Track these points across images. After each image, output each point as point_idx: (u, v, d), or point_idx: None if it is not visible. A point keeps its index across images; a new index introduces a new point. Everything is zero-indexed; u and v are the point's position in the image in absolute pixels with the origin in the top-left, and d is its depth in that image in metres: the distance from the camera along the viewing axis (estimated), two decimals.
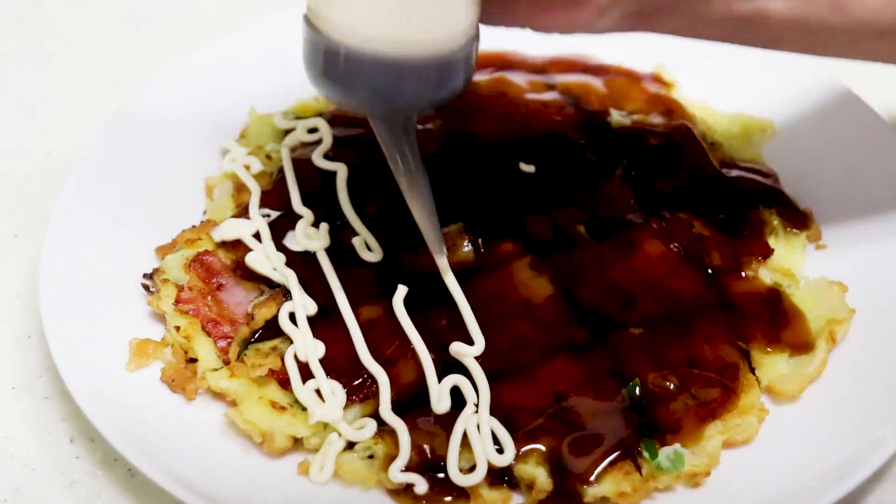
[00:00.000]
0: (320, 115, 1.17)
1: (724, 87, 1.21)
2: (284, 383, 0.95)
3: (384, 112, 0.92)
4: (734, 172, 1.12)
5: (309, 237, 1.04)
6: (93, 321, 0.98)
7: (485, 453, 0.90)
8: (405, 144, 0.94)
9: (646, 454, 0.91)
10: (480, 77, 1.19)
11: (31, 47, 1.36)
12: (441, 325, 0.97)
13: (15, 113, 1.28)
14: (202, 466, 0.90)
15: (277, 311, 0.99)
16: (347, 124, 1.15)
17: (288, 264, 1.02)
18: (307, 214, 1.06)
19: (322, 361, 0.96)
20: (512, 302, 0.99)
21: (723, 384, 0.94)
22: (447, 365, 0.95)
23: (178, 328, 0.97)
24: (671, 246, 1.04)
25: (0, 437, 0.98)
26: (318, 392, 0.94)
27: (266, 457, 0.93)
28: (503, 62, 1.23)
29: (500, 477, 0.90)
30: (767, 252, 1.05)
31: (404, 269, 1.01)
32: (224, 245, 1.04)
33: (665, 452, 0.91)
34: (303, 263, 1.02)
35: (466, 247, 1.03)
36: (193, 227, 1.06)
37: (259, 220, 1.05)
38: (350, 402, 0.94)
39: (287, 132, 1.16)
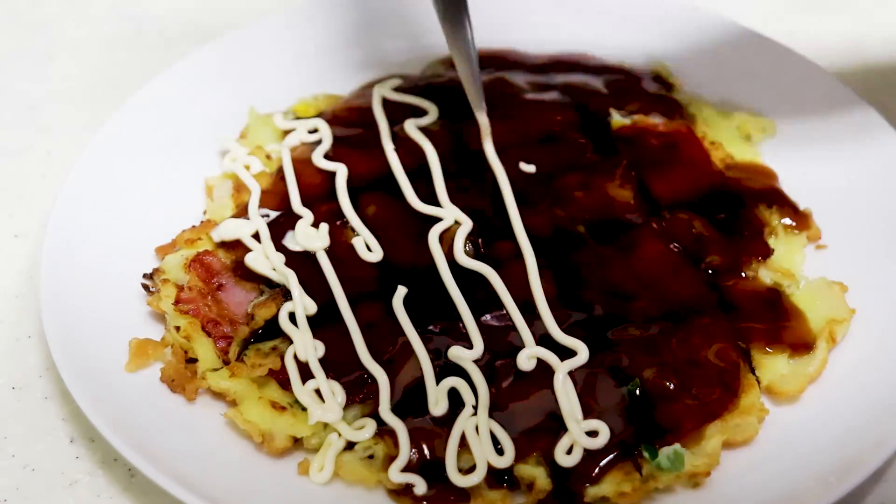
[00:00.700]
0: (320, 115, 1.17)
1: (724, 87, 1.20)
2: (284, 383, 0.95)
3: None
4: (734, 172, 1.12)
5: (308, 237, 1.04)
6: (93, 321, 0.98)
7: (484, 455, 0.90)
8: None
9: (646, 454, 0.91)
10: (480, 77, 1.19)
11: (31, 47, 1.36)
12: (440, 327, 0.97)
13: (15, 113, 1.28)
14: (202, 466, 0.90)
15: (277, 311, 0.99)
16: (347, 124, 1.15)
17: (287, 264, 1.01)
18: (307, 214, 1.06)
19: (322, 361, 0.96)
20: (513, 301, 0.99)
21: (723, 384, 0.94)
22: (447, 365, 0.95)
23: (178, 328, 0.97)
24: (671, 246, 1.04)
25: (0, 437, 0.98)
26: (317, 392, 0.94)
27: (266, 457, 0.93)
28: (503, 62, 1.23)
29: (500, 477, 0.90)
30: (767, 252, 1.05)
31: (404, 267, 1.01)
32: (224, 245, 1.04)
33: (665, 452, 0.91)
34: (302, 263, 1.02)
35: (468, 247, 1.03)
36: (193, 227, 1.06)
37: (258, 220, 1.05)
38: (350, 402, 0.94)
39: (287, 132, 1.15)
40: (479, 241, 1.04)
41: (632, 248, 1.03)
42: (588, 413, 0.92)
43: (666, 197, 1.08)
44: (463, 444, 0.91)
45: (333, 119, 1.16)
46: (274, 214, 1.07)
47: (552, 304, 0.98)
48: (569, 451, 0.90)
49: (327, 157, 1.11)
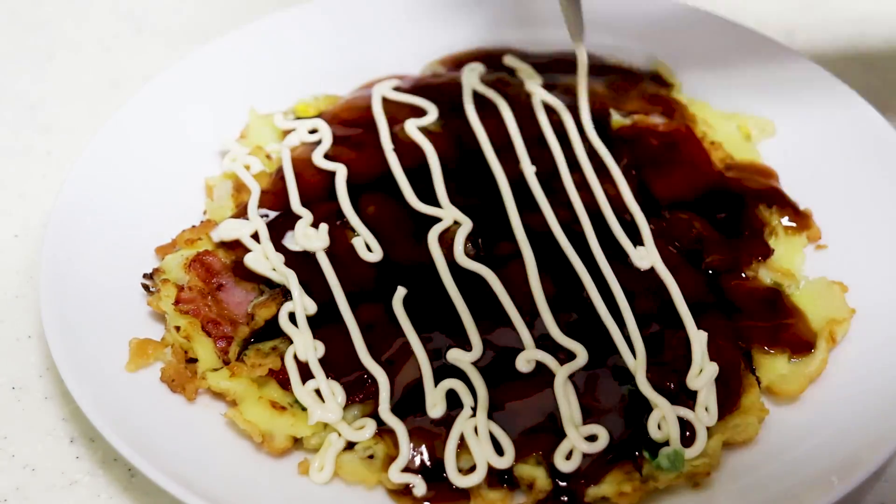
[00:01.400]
0: (320, 115, 1.17)
1: (723, 87, 1.20)
2: (284, 383, 0.95)
3: None
4: (734, 172, 1.12)
5: (308, 237, 1.04)
6: (93, 321, 0.98)
7: (484, 455, 0.90)
8: None
9: (646, 454, 0.91)
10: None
11: (31, 47, 1.36)
12: (440, 328, 0.97)
13: (15, 113, 1.28)
14: (202, 466, 0.90)
15: (277, 311, 0.99)
16: (347, 124, 1.15)
17: (287, 264, 1.01)
18: (306, 214, 1.05)
19: (322, 361, 0.96)
20: (512, 302, 0.99)
21: (723, 384, 0.94)
22: (447, 366, 0.95)
23: (178, 328, 0.97)
24: (671, 246, 1.04)
25: (0, 437, 0.98)
26: (317, 392, 0.94)
27: (266, 457, 0.93)
28: (503, 62, 1.23)
29: (500, 477, 0.90)
30: (767, 252, 1.05)
31: (404, 267, 1.02)
32: (224, 245, 1.04)
33: (665, 452, 0.91)
34: (302, 263, 1.02)
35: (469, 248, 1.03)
36: (193, 227, 1.06)
37: (258, 220, 1.05)
38: (350, 402, 0.94)
39: (287, 132, 1.15)
40: (479, 241, 1.04)
41: (629, 247, 1.03)
42: (588, 414, 0.92)
43: (666, 197, 1.08)
44: (463, 444, 0.91)
45: (333, 119, 1.16)
46: (273, 214, 1.07)
47: (552, 304, 0.98)
48: (568, 457, 0.90)
49: (327, 156, 1.11)
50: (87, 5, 1.41)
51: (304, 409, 0.94)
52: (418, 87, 1.19)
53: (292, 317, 0.98)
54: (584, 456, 0.90)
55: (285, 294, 1.00)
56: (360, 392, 0.94)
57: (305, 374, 0.95)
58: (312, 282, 1.00)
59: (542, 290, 0.99)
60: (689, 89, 1.21)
